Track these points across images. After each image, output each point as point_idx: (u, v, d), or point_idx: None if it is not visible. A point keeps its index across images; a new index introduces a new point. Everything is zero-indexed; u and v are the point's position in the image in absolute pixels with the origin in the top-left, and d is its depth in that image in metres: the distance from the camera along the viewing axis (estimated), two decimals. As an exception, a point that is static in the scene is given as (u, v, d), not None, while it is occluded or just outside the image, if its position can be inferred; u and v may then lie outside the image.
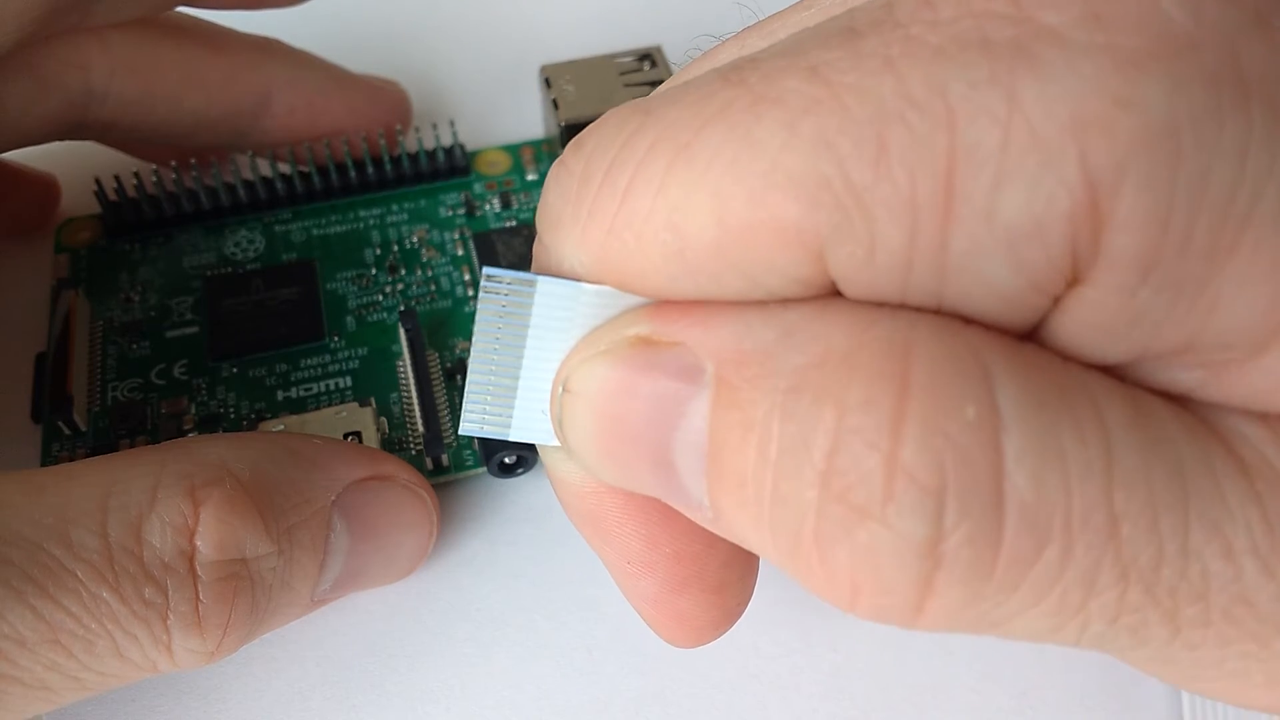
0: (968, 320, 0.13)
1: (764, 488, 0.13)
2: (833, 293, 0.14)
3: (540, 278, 0.15)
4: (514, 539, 0.26)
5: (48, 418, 0.26)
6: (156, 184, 0.29)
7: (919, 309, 0.13)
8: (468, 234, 0.30)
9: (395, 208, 0.31)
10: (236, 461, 0.20)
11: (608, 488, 0.17)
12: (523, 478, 0.26)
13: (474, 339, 0.15)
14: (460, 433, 0.16)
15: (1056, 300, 0.13)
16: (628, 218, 0.14)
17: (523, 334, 0.15)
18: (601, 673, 0.24)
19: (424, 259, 0.29)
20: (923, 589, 0.13)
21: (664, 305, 0.15)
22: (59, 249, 0.30)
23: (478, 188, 0.31)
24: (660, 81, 0.29)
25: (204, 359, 0.27)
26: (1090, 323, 0.13)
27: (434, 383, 0.26)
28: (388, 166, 0.30)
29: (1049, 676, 0.24)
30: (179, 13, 0.28)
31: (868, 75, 0.12)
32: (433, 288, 0.29)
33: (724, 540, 0.16)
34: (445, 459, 0.26)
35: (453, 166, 0.31)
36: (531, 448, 0.25)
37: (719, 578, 0.18)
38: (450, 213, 0.31)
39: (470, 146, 0.32)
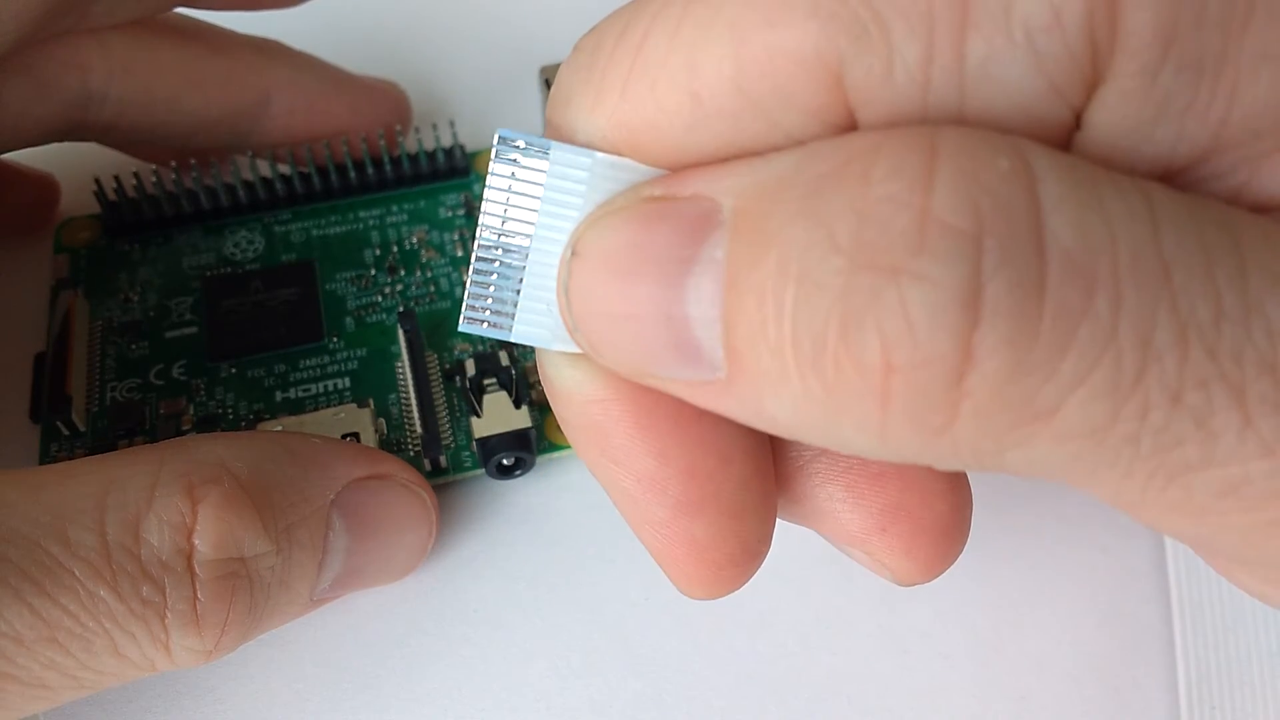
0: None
1: (784, 297, 0.12)
2: (852, 129, 0.13)
3: (554, 143, 0.14)
4: (512, 541, 0.26)
5: (46, 418, 0.26)
6: (156, 184, 0.29)
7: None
8: (467, 235, 0.30)
9: (395, 208, 0.31)
10: (235, 460, 0.20)
11: (614, 394, 0.16)
12: (521, 480, 0.26)
13: (481, 215, 0.15)
14: (460, 329, 0.15)
15: (1078, 116, 0.13)
16: (643, 68, 0.14)
17: (533, 210, 0.15)
18: (599, 675, 0.24)
19: (423, 260, 0.29)
20: (963, 351, 0.12)
21: (680, 170, 0.14)
22: (58, 249, 0.30)
23: (478, 188, 0.31)
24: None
25: (203, 359, 0.27)
26: (1115, 125, 0.13)
27: (433, 384, 0.26)
28: (387, 167, 0.30)
29: (1047, 681, 0.24)
30: (178, 14, 0.28)
31: None
32: (432, 289, 0.29)
33: (739, 456, 0.16)
34: (444, 460, 0.26)
35: (452, 167, 0.31)
36: (529, 448, 0.25)
37: (736, 500, 0.16)
38: (450, 213, 0.30)
39: (470, 147, 0.32)
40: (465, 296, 0.15)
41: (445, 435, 0.26)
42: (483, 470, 0.26)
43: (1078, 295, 0.11)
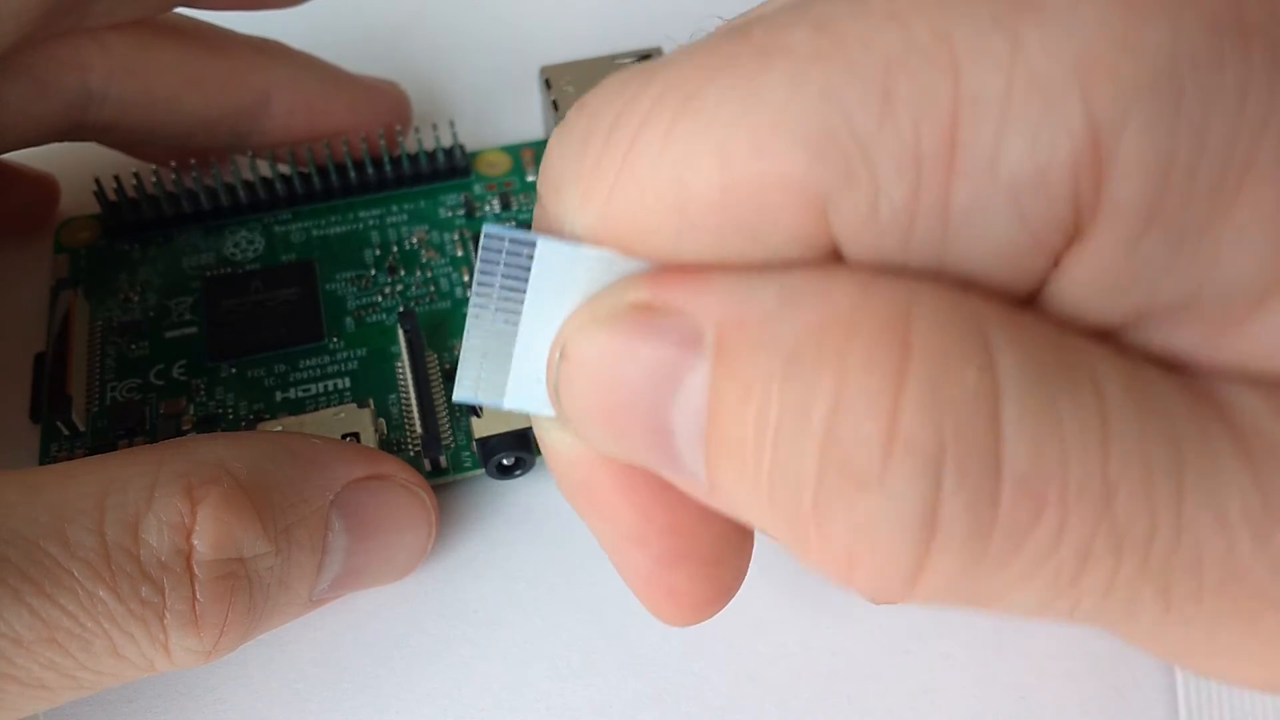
0: (968, 286, 0.13)
1: (763, 455, 0.13)
2: (834, 257, 0.14)
3: (540, 237, 0.15)
4: (512, 541, 0.26)
5: (46, 418, 0.26)
6: (156, 184, 0.29)
7: (920, 273, 0.13)
8: (467, 235, 0.30)
9: (395, 208, 0.31)
10: (234, 461, 0.20)
11: (602, 458, 0.17)
12: (521, 480, 0.26)
13: (470, 300, 0.15)
14: (454, 399, 0.16)
15: (1057, 261, 0.13)
16: (631, 173, 0.14)
17: (520, 296, 0.15)
18: (599, 675, 0.24)
19: (423, 260, 0.29)
20: (919, 558, 0.13)
21: (664, 271, 0.14)
22: (58, 249, 0.30)
23: (478, 189, 0.31)
24: (660, 83, 0.29)
25: (203, 359, 0.27)
26: (1091, 280, 0.13)
27: (433, 384, 0.26)
28: (387, 167, 0.30)
29: (1047, 681, 0.24)
30: (178, 14, 0.28)
31: (873, 26, 0.12)
32: (432, 289, 0.29)
33: (718, 515, 0.16)
34: (443, 460, 0.26)
35: (453, 167, 0.31)
36: (529, 448, 0.25)
37: (713, 552, 0.18)
38: (450, 213, 0.30)
39: (470, 147, 0.32)
40: (458, 367, 0.16)
41: (445, 435, 0.26)
42: (483, 470, 0.26)
43: (1027, 515, 0.12)
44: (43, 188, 0.30)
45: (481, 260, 0.15)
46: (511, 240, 0.15)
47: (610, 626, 0.24)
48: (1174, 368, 0.14)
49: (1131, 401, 0.13)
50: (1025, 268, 0.13)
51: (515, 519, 0.26)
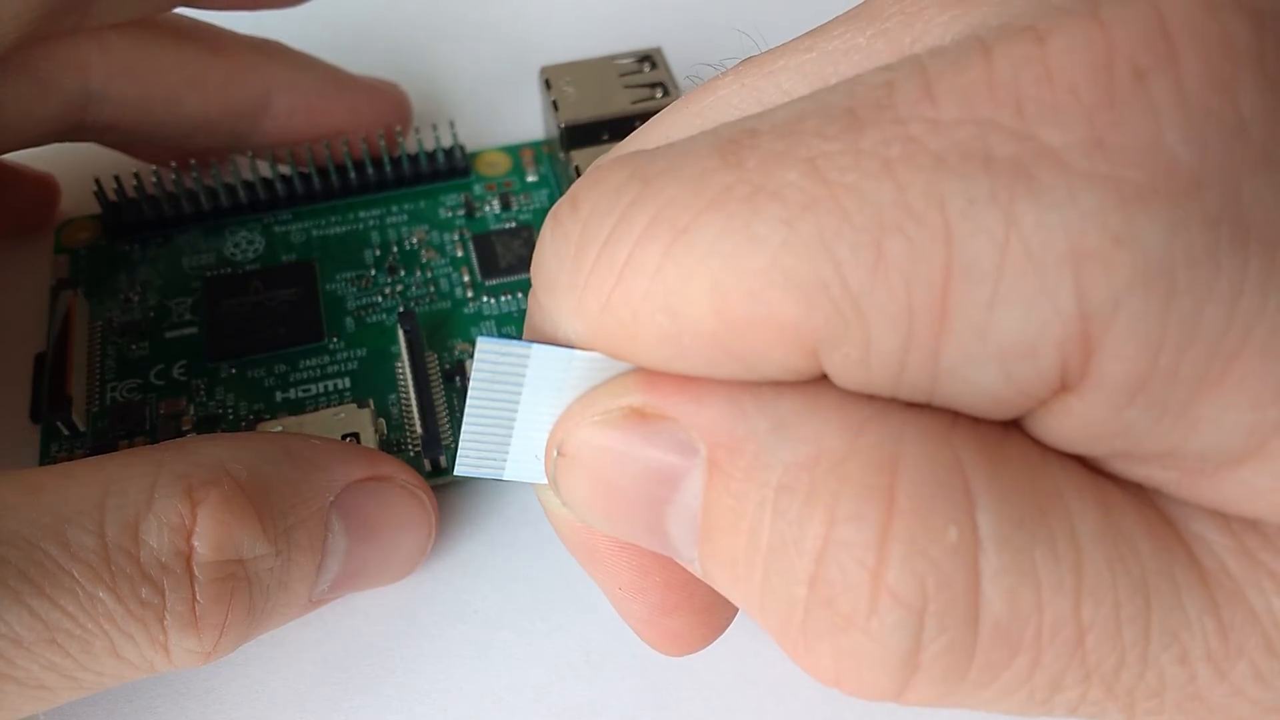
0: (955, 415, 0.14)
1: (754, 573, 0.14)
2: (824, 378, 0.14)
3: (534, 346, 0.15)
4: (511, 541, 0.26)
5: (46, 418, 0.26)
6: (156, 184, 0.29)
7: (909, 403, 0.14)
8: (467, 235, 0.30)
9: (395, 209, 0.31)
10: (234, 462, 0.20)
11: None
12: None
13: (469, 394, 0.16)
14: (456, 473, 0.17)
15: (1043, 402, 0.13)
16: (624, 295, 0.14)
17: (517, 393, 0.16)
18: (598, 675, 0.24)
19: (423, 260, 0.29)
20: (900, 687, 0.14)
21: (657, 377, 0.15)
22: (58, 249, 0.30)
23: (477, 189, 0.31)
24: (660, 84, 0.29)
25: (203, 360, 0.27)
26: (1073, 426, 0.13)
27: (433, 384, 0.26)
28: (387, 167, 0.30)
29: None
30: (178, 14, 0.28)
31: (866, 177, 0.12)
32: (432, 289, 0.29)
33: None
34: (443, 460, 0.26)
35: (452, 167, 0.31)
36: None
37: (708, 601, 0.19)
38: (450, 214, 0.31)
39: (470, 147, 0.32)
40: (459, 445, 0.16)
41: (445, 435, 0.26)
42: (483, 470, 0.26)
43: (1002, 655, 0.13)
44: (43, 188, 0.30)
45: (477, 365, 0.15)
46: (505, 350, 0.15)
47: (610, 626, 0.24)
48: (1148, 492, 0.14)
49: (1103, 545, 0.13)
50: (1010, 408, 0.13)
51: (515, 520, 0.26)
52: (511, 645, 0.24)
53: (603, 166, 0.15)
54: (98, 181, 0.29)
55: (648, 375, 0.15)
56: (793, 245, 0.13)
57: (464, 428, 0.16)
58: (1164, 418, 0.13)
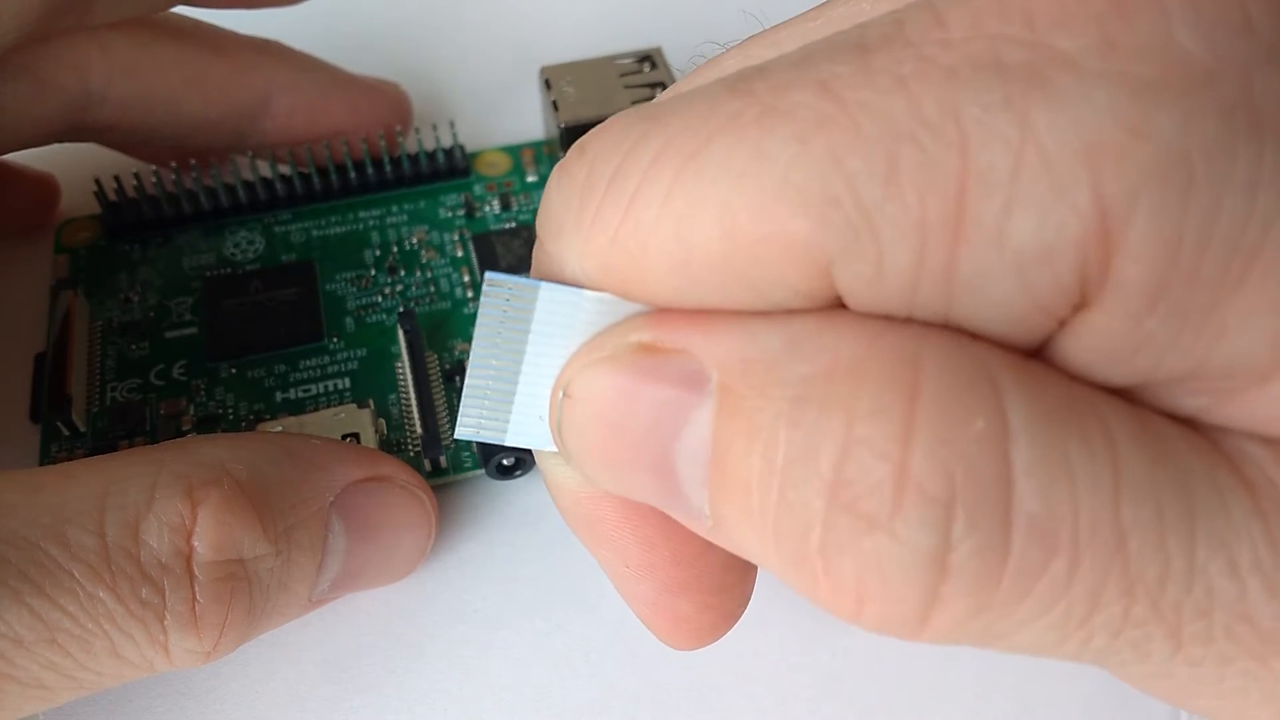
0: (974, 336, 0.13)
1: (769, 496, 0.13)
2: (838, 305, 0.14)
3: (543, 284, 0.15)
4: (511, 541, 0.26)
5: (46, 418, 0.26)
6: (156, 184, 0.29)
7: (926, 324, 0.13)
8: (467, 235, 0.30)
9: (395, 209, 0.31)
10: (235, 462, 0.20)
11: (605, 492, 0.17)
12: (521, 480, 0.26)
13: (473, 342, 0.15)
14: (456, 436, 0.16)
15: (1062, 323, 0.13)
16: (633, 227, 0.14)
17: (523, 338, 0.15)
18: (599, 675, 0.24)
19: (423, 260, 0.29)
20: (929, 600, 0.13)
21: (667, 313, 0.14)
22: (58, 249, 0.30)
23: (478, 189, 0.31)
24: (660, 84, 0.29)
25: (203, 360, 0.27)
26: (1095, 347, 0.13)
27: (433, 384, 0.26)
28: (387, 167, 0.30)
29: (1050, 683, 0.24)
30: (178, 14, 0.28)
31: (880, 93, 0.12)
32: (432, 289, 0.29)
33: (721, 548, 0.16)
34: (443, 460, 0.26)
35: (452, 168, 0.31)
36: (530, 450, 0.25)
37: (717, 580, 0.18)
38: (450, 214, 0.31)
39: (470, 148, 0.32)
40: (460, 405, 0.16)
41: (445, 435, 0.26)
42: (483, 470, 0.26)
43: (1038, 559, 0.12)
44: (43, 188, 0.30)
45: (483, 307, 0.15)
46: (513, 287, 0.15)
47: (610, 626, 0.24)
48: (1181, 421, 0.14)
49: (1141, 446, 0.13)
50: (1029, 328, 0.13)
51: (515, 519, 0.26)
52: (511, 645, 0.24)
53: (611, 117, 0.15)
54: (98, 181, 0.29)
55: (657, 313, 0.14)
56: (804, 161, 0.12)
57: (467, 383, 0.16)
58: (1186, 327, 0.12)
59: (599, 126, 0.15)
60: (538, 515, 0.26)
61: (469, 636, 0.24)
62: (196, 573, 0.19)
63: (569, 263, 0.15)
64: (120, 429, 0.26)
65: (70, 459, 0.25)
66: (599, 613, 0.25)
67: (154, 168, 0.29)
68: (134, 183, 0.29)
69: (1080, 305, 0.12)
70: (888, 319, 0.13)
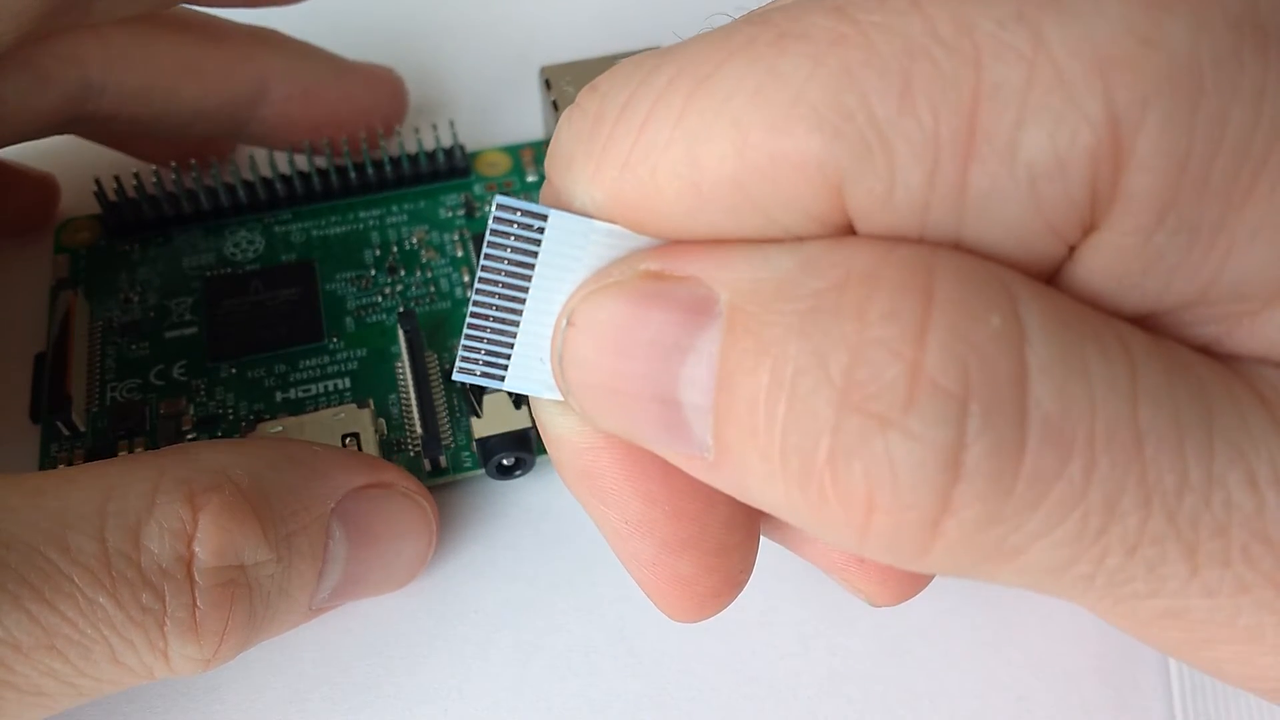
0: (987, 258, 0.13)
1: (776, 411, 0.13)
2: (848, 233, 0.13)
3: (553, 211, 0.15)
4: (512, 541, 0.26)
5: (46, 418, 0.26)
6: (156, 184, 0.29)
7: (938, 245, 0.13)
8: (467, 235, 0.30)
9: (395, 209, 0.31)
10: (236, 468, 0.20)
11: (605, 442, 0.17)
12: (521, 480, 0.26)
13: (477, 275, 0.15)
14: (454, 378, 0.16)
15: (1072, 250, 0.13)
16: (644, 150, 0.14)
17: (528, 271, 0.15)
18: (599, 675, 0.24)
19: (423, 260, 0.29)
20: (941, 503, 0.12)
21: (676, 244, 0.14)
22: (58, 249, 0.30)
23: (478, 189, 0.31)
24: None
25: (203, 360, 0.27)
26: (1105, 270, 0.13)
27: (433, 384, 0.26)
28: (387, 167, 0.30)
29: (1047, 682, 0.24)
30: (177, 3, 0.28)
31: (894, 14, 0.12)
32: (432, 289, 0.29)
33: (724, 499, 0.16)
34: (443, 460, 0.26)
35: (452, 167, 0.31)
36: (529, 449, 0.25)
37: (720, 540, 0.17)
38: (450, 214, 0.31)
39: (470, 147, 0.32)
40: (460, 347, 0.15)
41: (445, 435, 0.26)
42: (483, 470, 0.26)
43: (1054, 461, 0.12)
44: (43, 187, 0.30)
45: (492, 231, 0.15)
46: (524, 212, 0.15)
47: (610, 626, 0.24)
48: (1194, 348, 0.14)
49: (1157, 358, 0.13)
50: (1040, 252, 0.13)
51: (515, 519, 0.26)
52: (511, 645, 0.24)
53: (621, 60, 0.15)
54: (98, 181, 0.29)
55: (667, 245, 0.14)
56: (818, 78, 0.12)
57: (468, 321, 0.15)
58: (1195, 243, 0.12)
59: (611, 69, 0.15)
60: (538, 515, 0.26)
61: (468, 636, 0.24)
62: (197, 578, 0.19)
63: (578, 194, 0.15)
64: (120, 429, 0.26)
65: (70, 459, 0.25)
66: (599, 613, 0.25)
67: (154, 167, 0.29)
68: (134, 183, 0.29)
69: (1090, 227, 0.13)
70: (900, 240, 0.13)
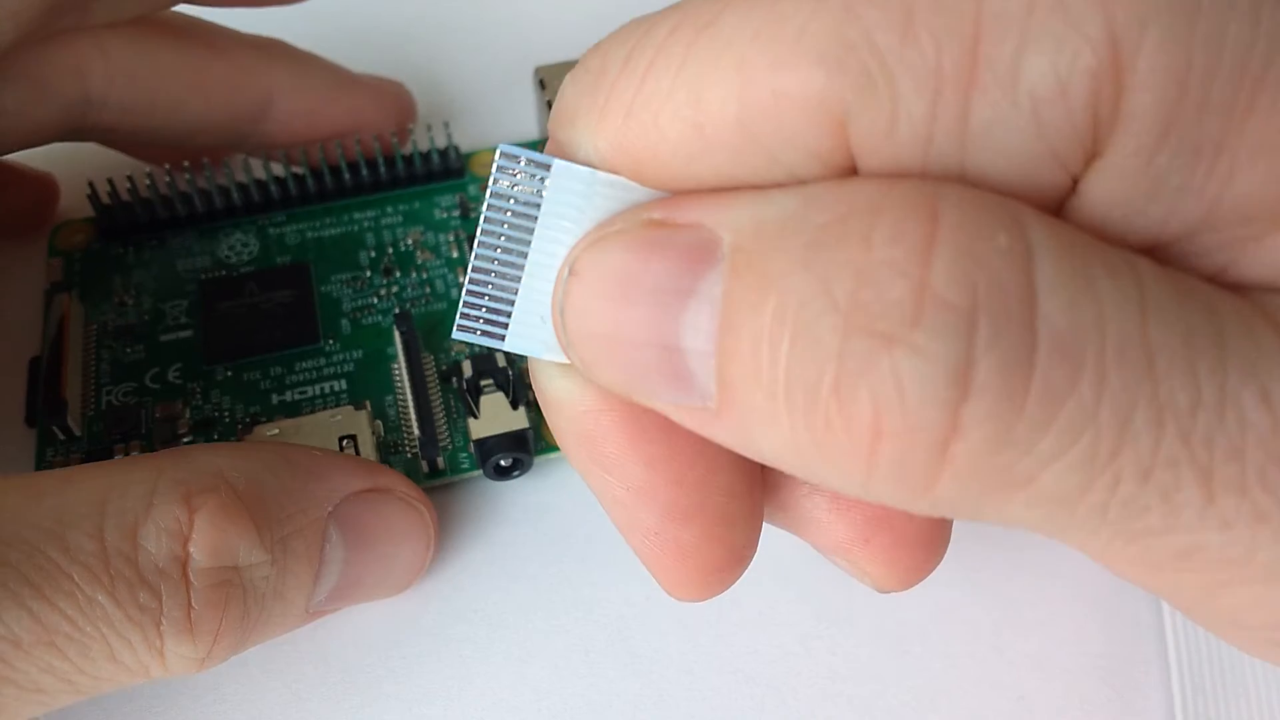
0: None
1: (780, 345, 0.13)
2: (851, 173, 0.13)
3: (556, 160, 0.15)
4: (510, 541, 0.26)
5: (42, 422, 0.26)
6: (150, 187, 0.29)
7: (942, 178, 0.13)
8: (463, 236, 0.30)
9: (390, 210, 0.31)
10: (233, 470, 0.20)
11: (605, 404, 0.16)
12: (518, 481, 0.26)
13: (480, 227, 0.15)
14: (454, 336, 0.15)
15: (1076, 182, 0.13)
16: (647, 97, 0.14)
17: (530, 224, 0.15)
18: (599, 675, 0.24)
19: (419, 261, 0.29)
20: (950, 423, 0.12)
21: (680, 195, 0.14)
22: (53, 253, 0.29)
23: (472, 189, 0.31)
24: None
25: (199, 362, 0.27)
26: (1109, 198, 0.13)
27: (429, 385, 0.26)
28: (382, 169, 0.30)
29: (1047, 681, 0.24)
30: (179, 14, 0.28)
31: None
32: (427, 290, 0.29)
33: (726, 466, 0.16)
34: (441, 462, 0.26)
35: (447, 168, 0.31)
36: (527, 449, 0.25)
37: (723, 508, 0.17)
38: (445, 215, 0.30)
39: (465, 148, 0.32)
40: (460, 304, 0.15)
41: (442, 437, 0.26)
42: (480, 471, 0.26)
43: (1064, 377, 0.12)
44: (42, 188, 0.30)
45: (495, 181, 0.15)
46: (528, 161, 0.14)
47: (610, 626, 0.24)
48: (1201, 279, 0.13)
49: (1166, 280, 0.13)
50: (1044, 183, 0.13)
51: (514, 520, 0.26)
52: (511, 645, 0.24)
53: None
54: (91, 184, 0.29)
55: (671, 196, 0.14)
56: (820, 14, 0.13)
57: (468, 278, 0.15)
58: (1198, 163, 0.12)
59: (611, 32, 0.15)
60: (536, 516, 0.26)
61: (468, 637, 0.24)
62: (192, 579, 0.19)
63: (582, 145, 0.15)
64: (116, 433, 0.26)
65: (66, 463, 0.25)
66: (599, 612, 0.25)
67: (148, 169, 0.29)
68: (127, 185, 0.29)
69: (1093, 154, 0.13)
70: (904, 175, 0.13)
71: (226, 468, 0.20)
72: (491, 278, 0.15)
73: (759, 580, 0.25)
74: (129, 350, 0.28)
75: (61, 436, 0.26)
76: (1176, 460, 0.12)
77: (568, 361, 0.16)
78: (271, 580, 0.21)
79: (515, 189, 0.15)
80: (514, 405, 0.25)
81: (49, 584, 0.18)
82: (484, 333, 0.15)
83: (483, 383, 0.26)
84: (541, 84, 0.30)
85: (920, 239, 0.12)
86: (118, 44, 0.26)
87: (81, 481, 0.19)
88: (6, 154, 0.26)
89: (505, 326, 0.15)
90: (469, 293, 0.15)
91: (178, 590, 0.19)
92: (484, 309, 0.15)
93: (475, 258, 0.15)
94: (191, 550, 0.19)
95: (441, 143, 0.31)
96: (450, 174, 0.31)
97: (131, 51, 0.26)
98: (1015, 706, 0.23)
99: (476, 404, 0.25)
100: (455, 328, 0.15)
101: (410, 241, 0.30)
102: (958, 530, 0.18)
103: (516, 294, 0.15)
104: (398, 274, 0.29)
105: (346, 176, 0.30)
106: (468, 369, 0.26)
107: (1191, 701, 0.23)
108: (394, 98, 0.31)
